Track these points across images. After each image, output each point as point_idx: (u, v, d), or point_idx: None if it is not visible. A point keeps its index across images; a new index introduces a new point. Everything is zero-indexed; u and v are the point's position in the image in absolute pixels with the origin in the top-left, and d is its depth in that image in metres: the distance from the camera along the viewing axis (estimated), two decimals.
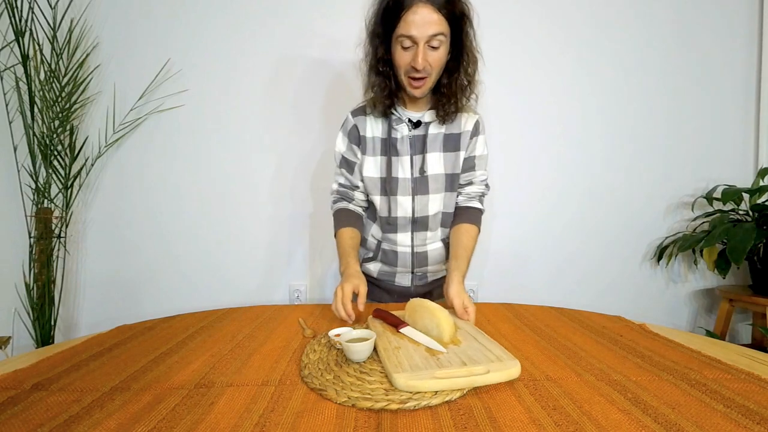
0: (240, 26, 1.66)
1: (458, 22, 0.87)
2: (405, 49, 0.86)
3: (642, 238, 1.82)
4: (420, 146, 0.98)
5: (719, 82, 1.78)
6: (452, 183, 1.01)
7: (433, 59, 0.87)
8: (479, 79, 0.95)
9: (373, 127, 1.00)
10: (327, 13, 1.66)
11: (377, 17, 0.88)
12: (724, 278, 1.69)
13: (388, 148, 0.99)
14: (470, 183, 1.04)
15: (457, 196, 1.05)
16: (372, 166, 1.01)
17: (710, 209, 1.74)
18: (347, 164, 1.04)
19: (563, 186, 1.78)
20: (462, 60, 0.91)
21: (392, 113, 0.98)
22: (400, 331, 0.74)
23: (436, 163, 0.99)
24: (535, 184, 1.77)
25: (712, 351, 0.70)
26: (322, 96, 1.70)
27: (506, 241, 1.78)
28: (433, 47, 0.85)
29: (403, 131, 0.98)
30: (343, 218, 1.05)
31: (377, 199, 1.03)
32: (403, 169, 0.99)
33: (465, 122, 1.00)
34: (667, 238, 1.80)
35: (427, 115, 0.98)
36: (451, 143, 0.99)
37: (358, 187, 1.06)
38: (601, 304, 1.79)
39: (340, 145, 1.04)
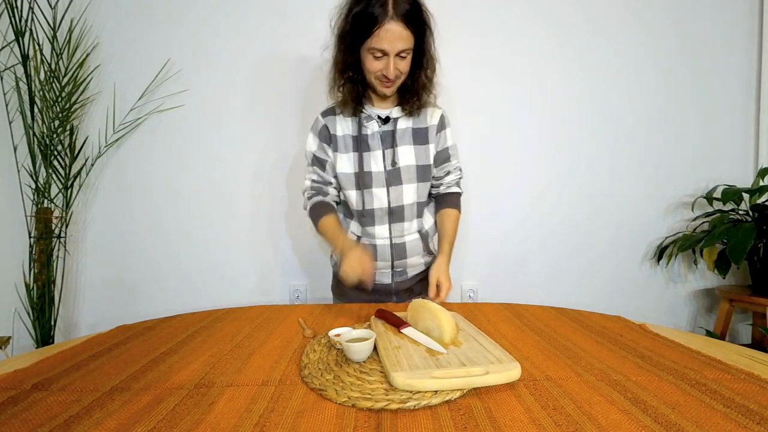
0: (240, 26, 1.66)
1: (422, 33, 0.96)
2: (376, 58, 0.94)
3: (642, 238, 1.81)
4: (390, 141, 1.04)
5: (719, 82, 1.78)
6: (424, 174, 1.07)
7: (402, 66, 0.96)
8: (437, 81, 1.05)
9: (344, 126, 1.06)
10: (329, 12, 1.65)
11: (347, 27, 0.95)
12: (724, 278, 1.68)
13: (360, 144, 1.04)
14: (448, 173, 1.13)
15: (438, 187, 1.13)
16: (345, 163, 1.05)
17: (710, 209, 1.74)
18: (319, 162, 1.09)
19: (562, 186, 1.78)
20: (423, 62, 1.00)
21: (361, 111, 1.04)
22: (402, 331, 0.74)
23: (407, 155, 1.05)
24: (535, 185, 1.77)
25: (712, 351, 0.70)
26: (325, 93, 1.69)
27: (506, 241, 1.78)
28: (401, 57, 0.95)
29: (373, 128, 1.04)
30: (323, 209, 1.08)
31: (352, 194, 1.07)
32: (376, 162, 1.04)
33: (431, 117, 1.08)
34: (667, 238, 1.80)
35: (394, 111, 1.05)
36: (420, 137, 1.07)
37: (331, 183, 1.10)
38: (601, 304, 1.79)
39: (311, 144, 1.09)
